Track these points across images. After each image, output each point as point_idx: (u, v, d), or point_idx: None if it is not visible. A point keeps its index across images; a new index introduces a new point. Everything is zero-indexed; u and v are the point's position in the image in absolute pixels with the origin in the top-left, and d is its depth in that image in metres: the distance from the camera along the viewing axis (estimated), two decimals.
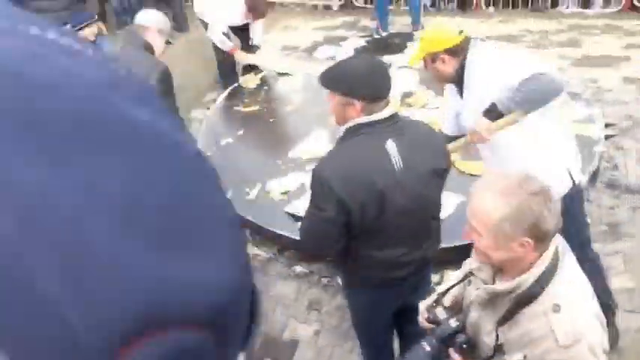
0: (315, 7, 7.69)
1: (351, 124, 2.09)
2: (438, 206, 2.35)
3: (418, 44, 2.71)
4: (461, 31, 2.60)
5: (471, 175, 3.90)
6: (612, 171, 4.25)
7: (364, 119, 2.06)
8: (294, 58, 5.82)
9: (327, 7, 7.60)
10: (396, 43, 5.89)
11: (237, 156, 4.40)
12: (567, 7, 6.99)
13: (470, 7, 7.22)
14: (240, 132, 4.68)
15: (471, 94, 2.60)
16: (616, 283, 3.32)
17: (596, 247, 3.54)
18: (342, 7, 7.55)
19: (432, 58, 2.62)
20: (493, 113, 2.47)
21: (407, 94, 4.96)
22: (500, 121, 2.48)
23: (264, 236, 3.79)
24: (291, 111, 4.94)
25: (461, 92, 2.66)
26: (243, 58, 5.31)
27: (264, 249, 3.81)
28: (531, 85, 2.36)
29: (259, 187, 3.98)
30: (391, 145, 2.06)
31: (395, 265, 2.23)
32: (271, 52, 5.99)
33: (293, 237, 3.52)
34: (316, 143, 4.39)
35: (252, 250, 3.80)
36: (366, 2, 7.43)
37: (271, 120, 4.85)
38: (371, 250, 2.18)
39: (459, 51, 2.57)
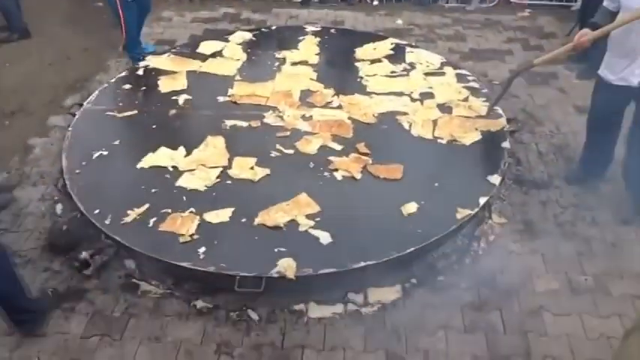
0: None
1: None
2: None
3: None
4: None
5: (385, 179, 3.61)
6: (517, 166, 4.19)
7: None
8: (173, 53, 5.14)
9: None
10: (286, 37, 5.43)
11: (114, 171, 3.73)
12: (447, 2, 6.98)
13: None
14: (116, 142, 3.99)
15: None
16: (540, 285, 3.27)
17: (515, 247, 3.50)
18: None
19: None
20: None
21: (306, 93, 4.52)
22: None
23: (154, 268, 3.19)
24: (176, 115, 4.30)
25: None
26: None
27: (155, 283, 3.19)
28: None
29: (145, 208, 3.36)
30: None
31: None
32: None
33: (191, 266, 3.01)
34: (212, 151, 3.84)
35: (141, 286, 3.18)
36: None
37: (153, 126, 4.18)
38: None
39: None
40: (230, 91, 4.55)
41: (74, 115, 4.37)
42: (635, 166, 3.60)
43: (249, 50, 5.19)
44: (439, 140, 4.02)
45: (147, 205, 3.38)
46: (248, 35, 5.47)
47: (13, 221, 3.67)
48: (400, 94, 4.54)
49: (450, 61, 5.14)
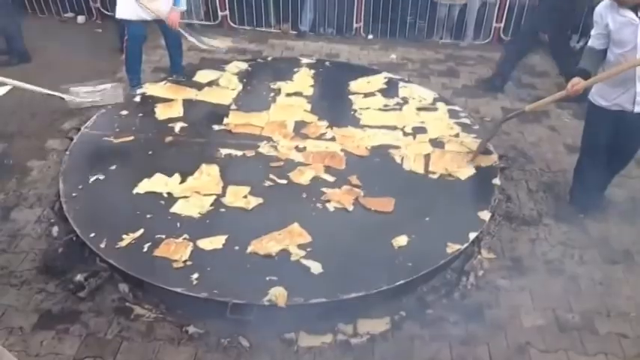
0: (190, 25, 7.12)
1: None
2: None
3: None
4: None
5: (377, 211, 3.67)
6: (507, 202, 4.24)
7: None
8: (170, 81, 5.22)
9: (205, 27, 7.07)
10: (281, 69, 5.53)
11: (110, 196, 3.77)
12: (441, 38, 7.14)
13: (349, 32, 7.11)
14: (113, 167, 4.04)
15: None
16: (527, 321, 3.29)
17: (504, 283, 3.50)
18: (218, 27, 7.07)
19: None
20: None
21: (300, 124, 4.61)
22: None
23: (148, 292, 3.21)
24: (171, 142, 4.36)
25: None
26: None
27: (148, 307, 3.21)
28: None
29: (140, 233, 3.39)
30: None
31: None
32: None
33: (184, 292, 3.03)
34: (206, 179, 3.89)
35: (135, 310, 3.19)
36: (242, 23, 7.04)
37: (149, 152, 4.24)
38: None
39: None
40: (225, 120, 4.62)
41: (72, 139, 4.42)
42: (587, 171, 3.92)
43: (244, 80, 5.29)
44: (430, 175, 4.09)
45: (142, 231, 3.42)
46: (244, 65, 5.58)
47: (9, 242, 3.68)
48: (393, 127, 4.62)
49: (442, 97, 5.24)
